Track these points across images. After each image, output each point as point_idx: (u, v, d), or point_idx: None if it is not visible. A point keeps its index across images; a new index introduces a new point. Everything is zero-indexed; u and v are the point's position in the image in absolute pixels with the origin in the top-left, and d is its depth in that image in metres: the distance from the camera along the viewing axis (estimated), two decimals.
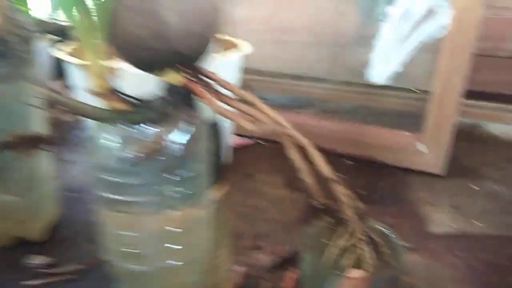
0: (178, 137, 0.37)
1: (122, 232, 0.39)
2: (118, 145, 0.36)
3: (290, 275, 0.73)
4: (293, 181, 1.09)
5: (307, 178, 0.43)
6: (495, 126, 1.52)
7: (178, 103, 0.38)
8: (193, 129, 0.39)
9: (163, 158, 0.37)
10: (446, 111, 1.09)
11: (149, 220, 0.38)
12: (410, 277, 0.76)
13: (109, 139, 0.37)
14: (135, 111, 0.36)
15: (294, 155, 0.41)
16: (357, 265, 0.44)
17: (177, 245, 0.40)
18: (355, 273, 0.39)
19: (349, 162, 1.21)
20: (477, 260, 0.81)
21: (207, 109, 0.48)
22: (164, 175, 0.37)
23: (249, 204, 1.00)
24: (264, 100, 1.34)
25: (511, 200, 1.04)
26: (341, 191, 0.42)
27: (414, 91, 1.29)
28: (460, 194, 1.07)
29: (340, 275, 0.43)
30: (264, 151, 1.30)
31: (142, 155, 0.36)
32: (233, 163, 1.20)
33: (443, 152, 1.12)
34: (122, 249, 0.40)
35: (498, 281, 0.75)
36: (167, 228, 0.39)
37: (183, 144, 0.38)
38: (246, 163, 1.22)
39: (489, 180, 1.14)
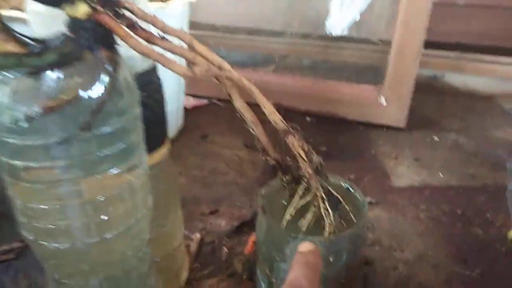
0: (93, 86, 0.30)
1: (32, 205, 0.32)
2: (13, 98, 0.29)
3: (252, 238, 0.68)
4: (252, 142, 1.03)
5: (256, 129, 0.37)
6: (455, 77, 1.51)
7: (93, 44, 0.31)
8: (113, 76, 0.31)
9: (74, 113, 0.29)
10: (406, 61, 1.05)
11: (65, 189, 0.31)
12: (373, 231, 0.73)
13: (1, 91, 0.29)
14: (34, 53, 0.29)
15: (238, 102, 0.35)
16: (317, 224, 0.39)
17: (103, 216, 0.33)
18: (306, 247, 0.34)
19: (309, 119, 1.16)
20: (440, 212, 0.79)
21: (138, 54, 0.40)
22: (76, 133, 0.30)
23: (206, 167, 0.94)
24: (222, 57, 1.26)
25: (473, 150, 1.03)
26: (296, 143, 0.36)
27: (374, 42, 1.24)
28: (422, 146, 1.05)
29: (297, 237, 0.38)
30: (220, 112, 1.23)
31: (42, 109, 0.28)
32: (187, 124, 1.12)
33: (405, 105, 1.09)
34: (37, 225, 0.33)
35: (462, 232, 0.74)
36: (89, 197, 0.32)
37: (101, 95, 0.30)
38: (202, 124, 1.15)
39: (450, 132, 1.13)
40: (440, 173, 0.92)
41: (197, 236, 0.70)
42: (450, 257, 0.68)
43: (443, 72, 1.52)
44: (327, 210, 0.38)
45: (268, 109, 0.35)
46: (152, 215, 0.41)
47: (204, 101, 1.27)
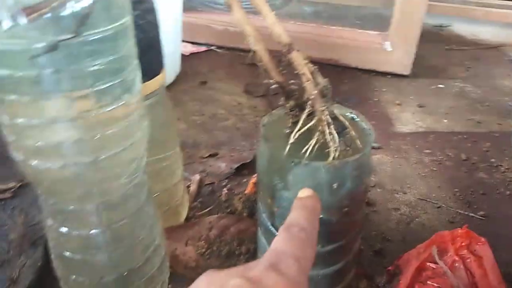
0: None
1: (20, 121, 0.30)
2: None
3: (252, 180, 0.67)
4: (252, 88, 1.01)
5: (258, 46, 0.34)
6: (462, 26, 1.46)
7: None
8: None
9: (60, 17, 0.27)
10: (413, 4, 1.00)
11: (54, 103, 0.29)
12: (375, 175, 0.72)
13: None
14: None
15: (238, 13, 0.32)
16: (321, 151, 0.37)
17: (96, 134, 0.31)
18: (304, 192, 0.34)
19: (311, 66, 1.12)
20: (445, 156, 0.77)
21: None
22: (63, 38, 0.27)
23: (206, 113, 0.92)
24: (218, 5, 1.20)
25: (479, 98, 1.01)
26: (301, 60, 0.34)
27: None
28: (427, 93, 1.02)
29: (300, 162, 0.36)
30: (220, 59, 1.20)
31: (25, 12, 0.26)
32: (186, 71, 1.09)
33: (410, 50, 1.05)
34: (26, 143, 0.31)
35: (467, 175, 0.72)
36: (79, 113, 0.30)
37: (91, 2, 0.28)
38: (201, 71, 1.11)
39: (456, 80, 1.10)
40: (445, 120, 0.90)
41: (196, 177, 0.69)
42: (454, 199, 0.67)
43: (450, 20, 1.47)
44: (332, 134, 0.36)
45: (271, 19, 0.32)
46: (149, 146, 0.39)
47: (203, 48, 1.23)
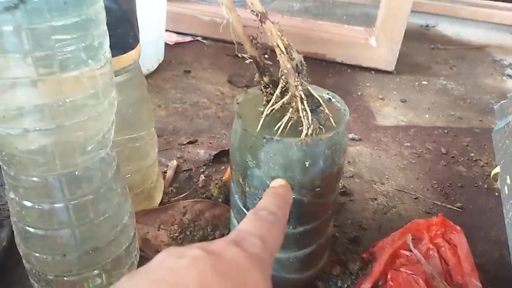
0: None
1: None
2: None
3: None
4: (235, 78, 1.00)
5: (231, 14, 0.33)
6: (447, 27, 1.47)
7: None
8: None
9: None
10: (399, 0, 1.00)
11: (13, 63, 0.28)
12: (354, 166, 0.71)
13: None
14: None
15: None
16: (294, 129, 0.37)
17: (57, 98, 0.30)
18: (277, 182, 0.34)
19: None
20: (424, 150, 0.77)
21: None
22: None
23: (187, 101, 0.90)
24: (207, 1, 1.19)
25: (461, 95, 1.01)
26: (274, 31, 0.33)
27: None
28: (410, 89, 1.03)
29: (272, 139, 0.35)
30: (205, 49, 1.18)
31: None
32: (169, 59, 1.08)
33: (395, 46, 1.05)
34: None
35: (445, 168, 0.72)
36: (40, 75, 0.29)
37: None
38: (185, 60, 1.10)
39: (439, 77, 1.10)
40: (426, 115, 0.90)
41: (173, 163, 0.68)
42: (432, 191, 0.67)
43: (436, 20, 1.47)
44: (306, 111, 0.35)
45: None
46: (121, 124, 0.38)
47: (189, 38, 1.22)
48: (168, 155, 0.71)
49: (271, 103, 0.36)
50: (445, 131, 0.84)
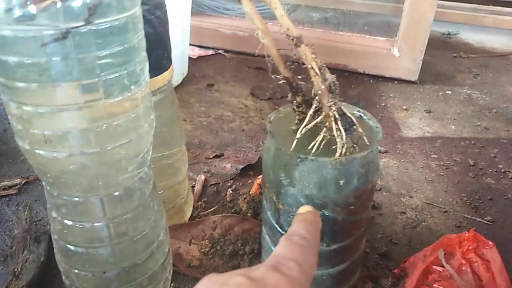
0: None
1: (27, 109, 0.30)
2: None
3: (258, 181, 0.67)
4: (257, 91, 1.01)
5: (266, 39, 0.34)
6: (470, 34, 1.45)
7: None
8: None
9: (70, 5, 0.27)
10: (422, 9, 1.00)
11: (62, 91, 0.29)
12: (381, 178, 0.71)
13: None
14: None
15: (246, 5, 0.32)
16: (327, 148, 0.37)
17: (103, 124, 0.31)
18: (304, 208, 0.34)
19: None
20: (452, 161, 0.77)
21: None
22: (72, 26, 0.27)
23: (212, 114, 0.92)
24: (226, 9, 1.21)
25: (487, 105, 1.00)
26: (309, 54, 0.34)
27: None
28: (434, 99, 1.02)
29: (306, 158, 0.36)
30: (227, 62, 1.20)
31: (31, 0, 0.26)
32: (193, 73, 1.09)
33: (418, 56, 1.05)
34: (33, 131, 0.31)
35: (474, 181, 0.72)
36: (85, 104, 0.30)
37: None
38: (208, 74, 1.12)
39: (464, 86, 1.09)
40: (452, 125, 0.90)
41: (201, 177, 0.69)
42: (461, 204, 0.66)
43: (458, 28, 1.46)
44: (340, 130, 0.36)
45: (280, 11, 0.32)
46: (155, 142, 0.39)
47: (211, 52, 1.24)
48: (196, 169, 0.72)
49: (305, 122, 0.37)
50: (472, 142, 0.83)
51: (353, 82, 1.09)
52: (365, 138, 0.37)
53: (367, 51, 1.11)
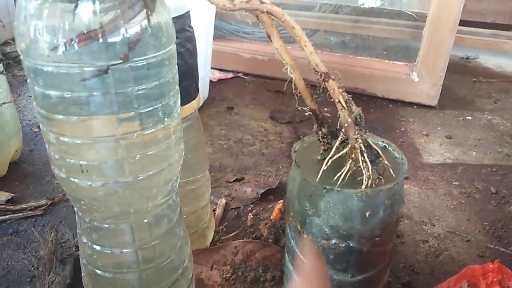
0: (130, 17, 0.29)
1: (65, 140, 0.31)
2: (51, 25, 0.28)
3: (278, 206, 0.67)
4: (277, 115, 1.02)
5: (295, 74, 0.35)
6: (489, 59, 1.45)
7: None
8: (151, 8, 0.30)
9: (110, 44, 0.28)
10: (441, 35, 1.01)
11: (100, 124, 0.31)
12: (404, 206, 0.71)
13: (39, 17, 0.28)
14: None
15: (277, 42, 0.33)
16: (352, 179, 0.38)
17: (137, 155, 0.32)
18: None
19: None
20: (474, 189, 0.76)
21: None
22: (112, 63, 0.29)
23: (232, 137, 0.93)
24: (246, 34, 1.23)
25: (508, 131, 0.99)
26: (336, 89, 0.35)
27: (407, 14, 1.19)
28: (455, 125, 1.01)
29: (332, 189, 0.36)
30: (246, 85, 1.22)
31: (78, 38, 0.27)
32: (213, 96, 1.11)
33: (438, 81, 1.05)
34: (70, 160, 0.32)
35: (496, 209, 0.71)
36: (123, 134, 0.31)
37: (138, 27, 0.29)
38: (227, 97, 1.13)
39: (484, 112, 1.09)
40: (473, 152, 0.89)
41: (222, 201, 0.69)
42: (484, 233, 0.65)
43: (477, 52, 1.46)
44: (366, 162, 0.36)
45: (309, 48, 0.33)
46: (181, 168, 0.40)
47: (230, 75, 1.26)
48: (217, 193, 0.73)
49: (331, 154, 0.37)
50: (494, 169, 0.83)
51: (372, 106, 1.10)
52: (391, 170, 0.38)
53: (386, 75, 1.12)
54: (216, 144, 0.90)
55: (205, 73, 1.02)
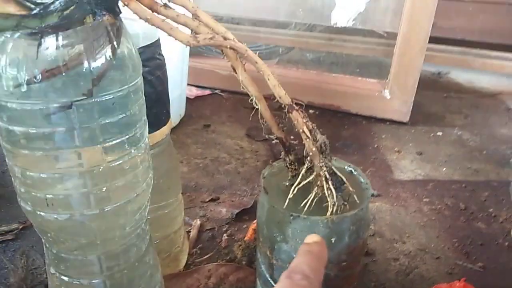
0: (95, 52, 0.30)
1: (31, 174, 0.32)
2: (13, 61, 0.28)
3: (252, 226, 0.67)
4: (254, 132, 1.03)
5: (260, 104, 0.36)
6: (460, 74, 1.50)
7: (96, 8, 0.30)
8: (116, 42, 0.31)
9: (74, 79, 0.29)
10: (412, 54, 1.04)
11: (65, 158, 0.31)
12: (374, 223, 0.72)
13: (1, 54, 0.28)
14: (34, 15, 0.28)
15: (242, 75, 0.34)
16: (319, 205, 0.39)
17: (103, 187, 0.33)
18: (311, 238, 0.34)
19: (312, 111, 1.15)
20: (443, 205, 0.78)
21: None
22: (77, 99, 0.29)
23: (208, 156, 0.93)
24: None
25: (477, 146, 1.02)
26: (300, 119, 0.36)
27: (379, 34, 1.23)
28: (426, 141, 1.04)
29: (298, 216, 0.37)
30: (223, 102, 1.22)
31: (41, 74, 0.28)
32: (190, 113, 1.12)
33: (409, 98, 1.08)
34: (35, 194, 0.32)
35: (465, 225, 0.73)
36: (89, 167, 0.32)
37: (103, 61, 0.30)
38: (204, 114, 1.14)
39: (454, 127, 1.12)
40: (443, 168, 0.92)
41: (197, 222, 0.70)
42: (453, 250, 0.67)
43: (448, 68, 1.51)
44: (331, 189, 0.37)
45: (273, 81, 0.34)
46: (151, 194, 0.40)
47: (207, 92, 1.26)
48: (192, 213, 0.73)
49: (297, 181, 0.38)
50: (463, 185, 0.85)
51: (346, 123, 1.12)
52: (355, 196, 0.39)
53: (359, 92, 1.14)
54: (192, 163, 0.90)
55: (181, 91, 1.02)
